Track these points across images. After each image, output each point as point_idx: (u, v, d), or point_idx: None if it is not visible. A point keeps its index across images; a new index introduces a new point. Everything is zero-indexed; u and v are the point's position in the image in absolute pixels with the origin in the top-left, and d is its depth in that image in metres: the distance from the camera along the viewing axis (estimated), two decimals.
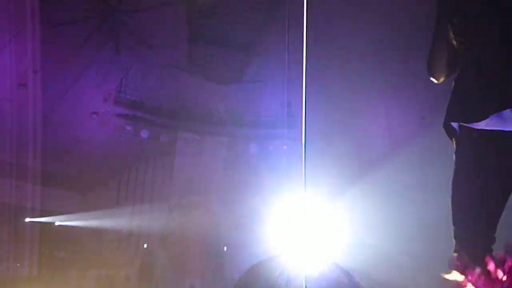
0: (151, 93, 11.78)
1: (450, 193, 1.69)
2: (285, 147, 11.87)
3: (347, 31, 11.75)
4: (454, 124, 1.68)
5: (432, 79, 1.86)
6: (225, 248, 12.03)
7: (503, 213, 1.63)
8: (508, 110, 1.56)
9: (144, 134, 11.55)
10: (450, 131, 1.73)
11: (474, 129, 1.62)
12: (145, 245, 12.17)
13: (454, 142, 1.72)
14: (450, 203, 1.69)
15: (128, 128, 11.66)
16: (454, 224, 1.67)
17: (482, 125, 1.58)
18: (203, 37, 13.24)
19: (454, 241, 1.64)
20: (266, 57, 12.97)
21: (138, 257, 12.07)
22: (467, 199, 1.66)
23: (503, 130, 1.58)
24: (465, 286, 1.30)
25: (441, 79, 1.83)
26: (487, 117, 1.56)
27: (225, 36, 13.36)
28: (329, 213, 8.21)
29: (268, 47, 12.90)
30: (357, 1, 11.27)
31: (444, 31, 1.76)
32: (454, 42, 1.75)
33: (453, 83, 1.74)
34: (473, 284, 1.18)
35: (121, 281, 11.77)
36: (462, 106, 1.65)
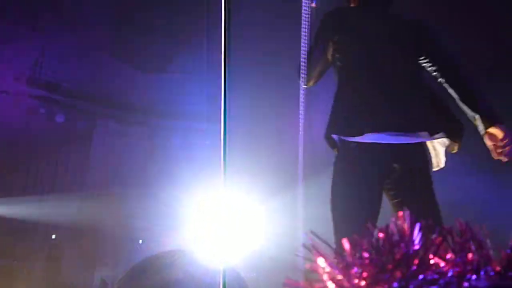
0: (69, 75, 11.13)
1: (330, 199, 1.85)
2: (207, 142, 11.85)
3: (271, 28, 12.05)
4: (334, 136, 1.88)
5: (300, 82, 2.15)
6: (140, 241, 11.72)
7: None
8: (383, 134, 1.76)
9: (59, 118, 10.90)
10: (330, 142, 1.93)
11: (345, 142, 1.83)
12: (53, 236, 11.49)
13: (335, 151, 1.92)
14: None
15: (42, 110, 10.94)
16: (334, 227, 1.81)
17: (357, 139, 1.78)
18: (130, 22, 12.83)
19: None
20: (193, 49, 12.90)
21: (45, 248, 11.36)
22: (344, 205, 1.84)
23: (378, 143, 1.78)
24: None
25: (310, 84, 2.13)
26: (362, 135, 1.76)
27: (153, 23, 13.06)
28: (247, 208, 8.31)
29: (195, 39, 12.83)
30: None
31: (324, 44, 1.97)
32: (330, 57, 1.94)
33: (334, 97, 1.97)
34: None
35: (24, 273, 11.02)
36: (341, 121, 1.86)
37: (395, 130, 1.78)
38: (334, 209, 1.78)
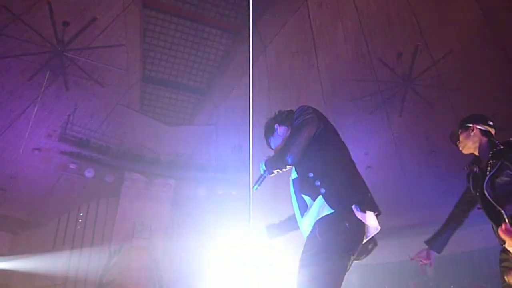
0: (98, 131, 11.55)
1: None
2: (234, 192, 11.87)
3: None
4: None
5: (288, 164, 2.31)
6: None
7: None
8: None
9: (89, 173, 11.19)
10: (344, 213, 2.03)
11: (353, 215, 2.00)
12: None
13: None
14: None
15: (72, 166, 11.26)
16: None
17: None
18: (156, 79, 13.43)
19: None
20: (218, 103, 13.29)
21: None
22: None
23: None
24: None
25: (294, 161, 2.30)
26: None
27: (178, 79, 13.62)
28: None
29: (220, 93, 13.27)
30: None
31: (313, 133, 2.30)
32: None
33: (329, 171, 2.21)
34: None
35: None
36: (360, 196, 2.00)
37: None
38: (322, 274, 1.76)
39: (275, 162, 2.23)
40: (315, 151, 2.19)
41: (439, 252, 2.76)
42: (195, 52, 13.11)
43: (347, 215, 1.94)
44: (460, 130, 2.71)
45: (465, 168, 2.69)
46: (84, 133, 11.23)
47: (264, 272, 7.37)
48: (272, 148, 2.52)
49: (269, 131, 2.54)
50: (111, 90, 11.51)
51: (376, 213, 2.05)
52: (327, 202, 1.97)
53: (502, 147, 2.54)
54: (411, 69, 11.07)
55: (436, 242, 2.78)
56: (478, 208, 2.67)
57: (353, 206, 1.96)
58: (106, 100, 11.61)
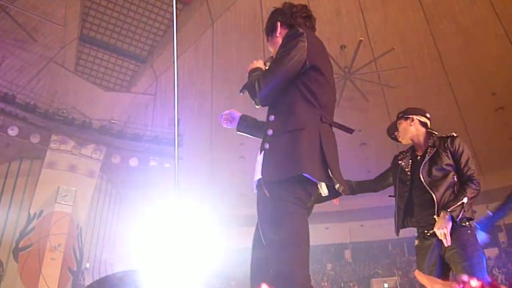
0: (26, 88, 10.81)
1: None
2: (167, 165, 11.68)
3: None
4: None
5: (254, 102, 1.90)
6: (88, 265, 11.27)
7: None
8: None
9: (12, 131, 10.46)
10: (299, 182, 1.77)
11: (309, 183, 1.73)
12: None
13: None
14: None
15: None
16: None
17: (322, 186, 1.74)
18: (95, 40, 12.74)
19: None
20: (159, 73, 12.90)
21: None
22: (297, 228, 1.75)
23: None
24: None
25: (260, 106, 1.90)
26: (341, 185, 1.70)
27: (118, 43, 13.00)
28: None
29: (162, 63, 12.87)
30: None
31: (296, 68, 1.87)
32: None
33: (293, 131, 1.83)
34: None
35: None
36: (317, 164, 1.73)
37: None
38: (290, 246, 1.62)
39: (248, 91, 1.84)
40: (290, 94, 1.80)
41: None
42: (139, 17, 12.58)
43: None
44: (399, 121, 2.87)
45: (398, 156, 2.84)
46: (10, 88, 10.45)
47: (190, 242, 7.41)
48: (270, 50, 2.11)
49: (268, 27, 2.08)
50: (45, 45, 10.79)
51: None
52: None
53: (439, 136, 2.73)
54: (352, 63, 11.41)
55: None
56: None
57: None
58: (37, 56, 10.86)
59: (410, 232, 2.76)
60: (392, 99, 12.30)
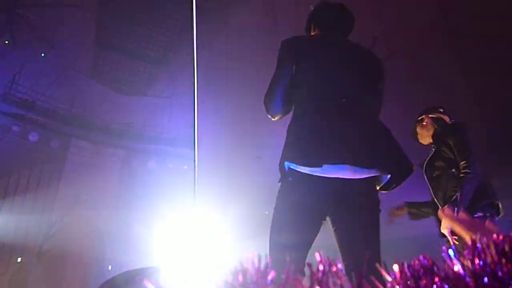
0: (45, 94, 10.99)
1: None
2: (185, 167, 11.75)
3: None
4: (286, 165, 1.80)
5: (269, 116, 2.01)
6: (110, 267, 11.38)
7: None
8: (340, 166, 1.71)
9: (33, 137, 10.67)
10: (282, 170, 1.84)
11: (294, 172, 1.75)
12: (19, 259, 11.05)
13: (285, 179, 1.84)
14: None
15: (15, 129, 10.70)
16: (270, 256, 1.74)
17: (314, 170, 1.72)
18: (111, 44, 12.90)
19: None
20: (176, 75, 13.00)
21: (10, 270, 10.89)
22: (280, 234, 1.76)
23: (320, 176, 1.73)
24: None
25: (276, 118, 2.03)
26: (321, 166, 1.70)
27: (135, 48, 13.17)
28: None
29: (178, 65, 12.97)
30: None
31: (285, 75, 1.92)
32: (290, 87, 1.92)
33: (290, 126, 1.89)
34: None
35: None
36: (298, 151, 1.77)
37: (352, 164, 1.70)
38: (271, 233, 1.69)
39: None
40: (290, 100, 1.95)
41: None
42: (154, 20, 12.69)
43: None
44: (416, 124, 2.88)
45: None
46: (30, 94, 10.64)
47: (209, 244, 7.43)
48: None
49: (307, 27, 2.24)
50: (62, 52, 10.96)
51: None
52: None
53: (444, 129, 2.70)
54: None
55: None
56: None
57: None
58: (55, 62, 11.04)
59: None
60: (409, 95, 12.13)
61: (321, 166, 1.72)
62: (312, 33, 2.15)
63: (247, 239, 8.75)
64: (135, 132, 11.77)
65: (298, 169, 1.76)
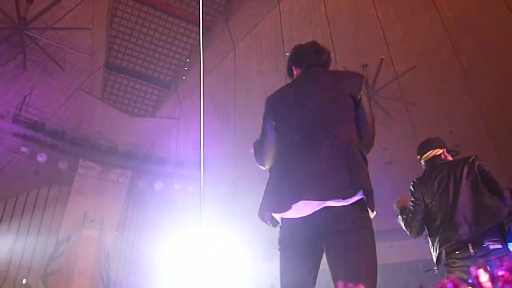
0: (55, 116, 11.14)
1: None
2: (191, 188, 11.76)
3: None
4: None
5: (260, 166, 2.19)
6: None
7: None
8: (300, 202, 1.78)
9: (41, 158, 10.75)
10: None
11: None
12: (24, 281, 11.00)
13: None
14: None
15: (24, 150, 10.78)
16: None
17: (286, 214, 1.83)
18: (120, 67, 13.12)
19: None
20: (183, 98, 13.14)
21: None
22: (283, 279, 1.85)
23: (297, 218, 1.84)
24: None
25: (267, 167, 2.14)
26: (289, 208, 1.77)
27: (143, 69, 13.36)
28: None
29: (186, 87, 13.12)
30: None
31: (267, 133, 2.05)
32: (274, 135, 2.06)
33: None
34: None
35: None
36: (270, 198, 1.90)
37: (318, 198, 1.75)
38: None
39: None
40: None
41: None
42: (163, 44, 12.91)
43: None
44: None
45: None
46: (39, 116, 10.79)
47: (217, 265, 7.38)
48: None
49: (288, 71, 2.36)
50: (72, 74, 11.14)
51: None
52: None
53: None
54: (374, 81, 11.34)
55: None
56: None
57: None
58: (65, 84, 11.22)
59: None
60: (416, 117, 12.14)
61: (290, 208, 1.80)
62: (295, 74, 2.26)
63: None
64: (143, 153, 11.84)
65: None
